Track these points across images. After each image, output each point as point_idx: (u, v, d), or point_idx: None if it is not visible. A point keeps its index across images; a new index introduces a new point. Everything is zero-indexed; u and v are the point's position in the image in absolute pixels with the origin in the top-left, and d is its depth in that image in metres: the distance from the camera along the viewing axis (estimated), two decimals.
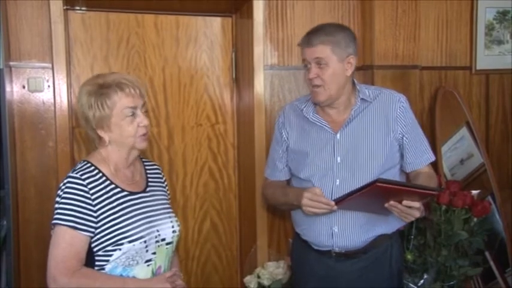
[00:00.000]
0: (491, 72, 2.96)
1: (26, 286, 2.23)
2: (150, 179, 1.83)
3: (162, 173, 1.92)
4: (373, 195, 1.76)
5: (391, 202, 1.76)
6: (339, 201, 1.81)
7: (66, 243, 1.59)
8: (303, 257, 2.07)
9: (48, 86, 2.26)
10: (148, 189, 1.79)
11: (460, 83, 2.91)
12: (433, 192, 1.89)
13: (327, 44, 1.88)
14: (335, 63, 1.90)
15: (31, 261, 2.23)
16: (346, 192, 1.80)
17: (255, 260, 2.50)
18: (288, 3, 2.57)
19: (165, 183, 1.92)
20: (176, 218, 1.82)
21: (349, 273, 1.96)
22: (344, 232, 1.93)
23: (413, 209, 1.78)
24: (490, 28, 2.92)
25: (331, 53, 1.89)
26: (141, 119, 1.69)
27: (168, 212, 1.81)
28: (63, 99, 2.26)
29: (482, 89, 2.95)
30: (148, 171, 1.85)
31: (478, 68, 2.92)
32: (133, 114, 1.68)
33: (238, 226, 2.79)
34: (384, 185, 1.70)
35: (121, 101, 1.66)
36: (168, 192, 1.92)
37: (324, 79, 1.90)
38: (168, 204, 1.86)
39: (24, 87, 2.24)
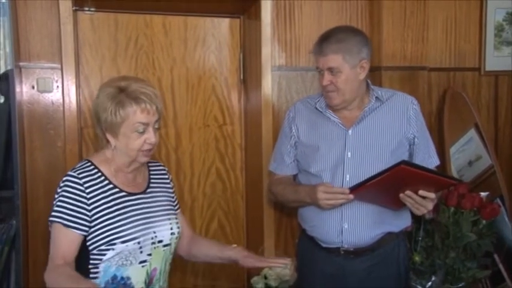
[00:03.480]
0: (501, 74, 2.94)
1: (34, 285, 2.24)
2: (152, 180, 1.83)
3: (168, 173, 1.92)
4: (391, 183, 1.77)
5: (407, 192, 1.78)
6: (354, 189, 1.82)
7: (58, 240, 1.63)
8: (309, 254, 2.08)
9: (57, 87, 2.27)
10: (148, 190, 1.79)
11: (469, 84, 2.89)
12: (453, 182, 1.97)
13: (339, 53, 1.91)
14: (347, 70, 1.93)
15: (40, 260, 2.24)
16: (367, 177, 1.80)
17: None
18: (296, 4, 2.56)
19: (171, 183, 1.91)
20: (177, 220, 1.81)
21: (357, 271, 1.98)
22: (354, 229, 1.95)
23: (427, 200, 1.80)
24: (499, 29, 2.90)
25: (343, 61, 1.91)
26: (150, 136, 1.67)
27: (168, 214, 1.80)
28: (72, 99, 2.27)
29: (491, 91, 2.94)
30: (151, 173, 1.85)
31: (487, 69, 2.90)
32: (144, 131, 1.66)
33: (245, 227, 2.79)
34: (408, 167, 1.72)
35: (135, 115, 1.63)
36: (173, 191, 1.91)
37: (338, 86, 1.94)
38: (171, 205, 1.85)
39: (33, 87, 2.25)
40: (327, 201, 1.87)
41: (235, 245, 1.94)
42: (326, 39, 1.94)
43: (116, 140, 1.68)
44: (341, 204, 1.91)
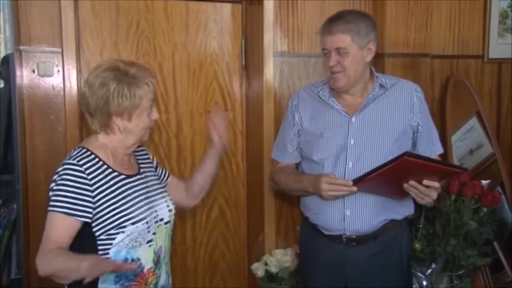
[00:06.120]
0: (504, 61, 2.92)
1: (35, 269, 2.24)
2: (140, 162, 1.86)
3: (149, 154, 1.95)
4: (395, 174, 1.77)
5: (411, 182, 1.78)
6: (358, 181, 1.82)
7: (56, 227, 1.61)
8: (311, 242, 2.08)
9: (58, 71, 2.25)
10: (142, 170, 1.82)
11: (472, 72, 2.88)
12: (457, 170, 1.99)
13: (347, 33, 1.90)
14: (355, 51, 1.92)
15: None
16: (370, 170, 1.80)
17: (262, 247, 2.51)
18: None
19: (154, 162, 1.95)
20: (170, 197, 1.85)
21: (359, 259, 1.98)
22: (356, 216, 1.94)
23: (431, 189, 1.80)
24: (503, 16, 2.87)
25: (352, 42, 1.90)
26: (154, 112, 1.74)
27: (162, 192, 1.84)
28: (72, 84, 2.25)
29: (494, 78, 2.92)
30: (137, 155, 1.88)
31: (490, 56, 2.88)
32: (151, 107, 1.73)
33: (246, 214, 2.79)
34: (412, 158, 1.72)
35: (149, 94, 1.70)
36: (156, 168, 1.95)
37: (344, 66, 1.92)
38: (160, 183, 1.89)
39: (34, 71, 2.23)
40: (330, 192, 1.88)
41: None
42: (335, 20, 1.93)
43: (128, 123, 1.69)
44: (344, 196, 1.91)
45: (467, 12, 2.83)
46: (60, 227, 1.61)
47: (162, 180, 1.94)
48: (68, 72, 2.25)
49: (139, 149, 1.91)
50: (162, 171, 1.98)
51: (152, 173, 1.88)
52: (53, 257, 1.57)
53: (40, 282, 2.22)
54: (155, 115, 1.74)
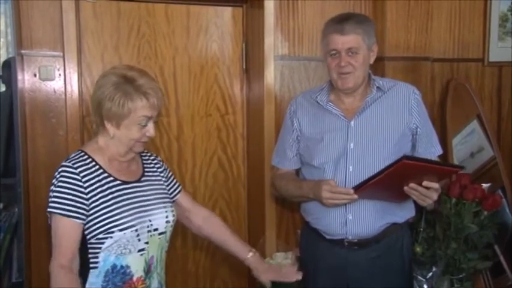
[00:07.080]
0: (504, 64, 2.92)
1: (36, 272, 2.25)
2: (146, 169, 1.84)
3: (161, 162, 1.92)
4: (394, 178, 1.77)
5: (411, 185, 1.78)
6: (358, 188, 1.82)
7: (60, 231, 1.63)
8: (312, 246, 2.08)
9: (59, 75, 2.26)
10: (143, 178, 1.80)
11: (472, 75, 2.88)
12: (456, 170, 1.98)
13: (360, 34, 1.92)
14: (365, 51, 1.94)
15: (41, 248, 2.25)
16: (368, 177, 1.80)
17: (263, 250, 2.50)
18: None
19: (165, 172, 1.91)
20: (172, 208, 1.83)
21: (361, 262, 1.98)
22: (358, 219, 1.95)
23: (431, 190, 1.80)
24: (504, 19, 2.88)
25: (363, 42, 1.93)
26: (150, 129, 1.70)
27: (164, 202, 1.81)
28: (73, 88, 2.26)
29: (495, 82, 2.92)
30: (144, 162, 1.86)
31: (490, 60, 2.88)
32: (146, 124, 1.70)
33: (246, 217, 2.80)
34: (410, 161, 1.72)
35: (142, 109, 1.66)
36: (167, 179, 1.91)
37: (355, 66, 1.93)
38: (166, 193, 1.87)
39: (35, 75, 2.24)
40: (331, 200, 1.88)
41: (252, 253, 1.94)
42: (346, 20, 1.92)
43: (116, 130, 1.69)
44: (345, 204, 1.91)
45: (467, 16, 2.83)
46: (62, 229, 1.63)
47: (170, 192, 1.91)
48: (69, 76, 2.26)
49: (152, 157, 1.90)
50: (173, 185, 1.94)
51: (158, 182, 1.85)
52: (60, 281, 1.61)
53: (41, 286, 2.22)
54: (151, 132, 1.70)
